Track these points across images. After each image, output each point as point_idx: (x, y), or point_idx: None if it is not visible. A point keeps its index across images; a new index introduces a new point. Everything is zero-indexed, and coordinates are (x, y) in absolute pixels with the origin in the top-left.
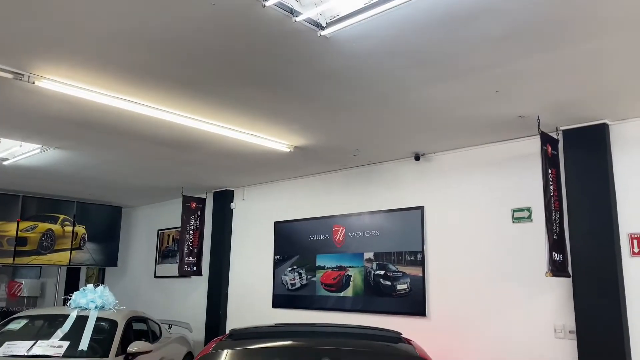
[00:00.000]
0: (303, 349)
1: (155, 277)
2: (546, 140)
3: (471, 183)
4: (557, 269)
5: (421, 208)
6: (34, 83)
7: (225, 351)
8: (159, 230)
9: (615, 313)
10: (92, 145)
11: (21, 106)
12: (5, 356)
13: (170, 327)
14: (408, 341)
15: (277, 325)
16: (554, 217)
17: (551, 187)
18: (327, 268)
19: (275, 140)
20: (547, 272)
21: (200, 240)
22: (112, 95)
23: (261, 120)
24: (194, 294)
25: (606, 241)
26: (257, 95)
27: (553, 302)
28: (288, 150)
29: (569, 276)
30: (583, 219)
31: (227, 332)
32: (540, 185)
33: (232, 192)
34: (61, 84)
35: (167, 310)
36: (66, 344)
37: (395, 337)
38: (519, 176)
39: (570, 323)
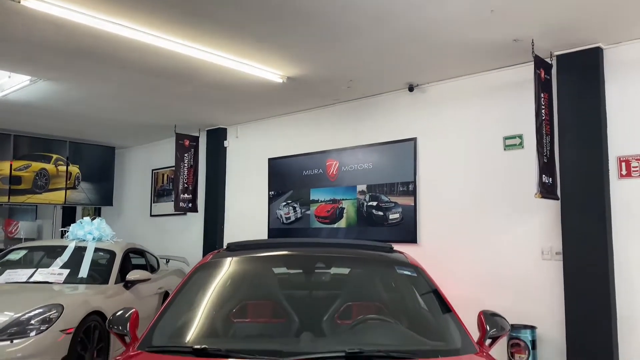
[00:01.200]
0: (298, 256)
1: (151, 215)
2: (540, 64)
3: (464, 113)
4: (546, 191)
5: (414, 139)
6: (19, 2)
7: (223, 259)
8: (153, 170)
9: (601, 235)
10: (82, 76)
11: (7, 30)
12: (7, 282)
13: (167, 262)
14: (399, 252)
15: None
16: (544, 141)
17: (543, 111)
18: (321, 201)
19: (267, 70)
20: (536, 194)
21: (194, 178)
22: (103, 18)
23: (253, 46)
24: (190, 231)
25: (595, 164)
26: (246, 20)
27: (541, 225)
28: (281, 81)
29: (557, 199)
30: (573, 142)
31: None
32: (532, 112)
33: (225, 130)
34: (49, 4)
35: (164, 248)
36: (66, 271)
37: (387, 248)
38: (511, 104)
39: (557, 245)
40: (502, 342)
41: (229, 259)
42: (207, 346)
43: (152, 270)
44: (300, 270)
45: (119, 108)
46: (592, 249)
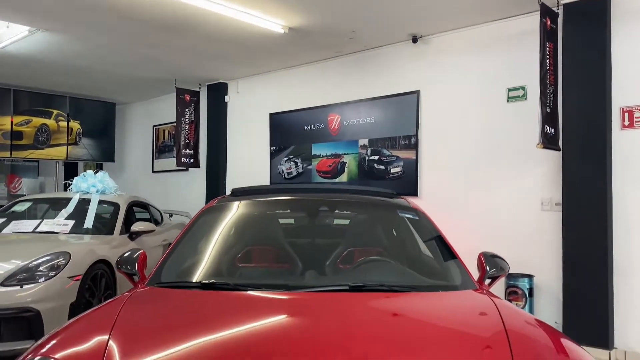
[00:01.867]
0: (303, 200)
1: (153, 171)
2: (546, 12)
3: (467, 64)
4: (548, 141)
5: (417, 92)
6: None
7: (228, 204)
8: (154, 126)
9: (601, 186)
10: (81, 27)
11: None
12: (13, 232)
13: (171, 217)
14: (401, 197)
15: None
16: (548, 91)
17: (547, 61)
18: (323, 156)
19: (268, 20)
20: (538, 144)
21: (196, 134)
22: None
23: None
24: (192, 186)
25: (598, 114)
26: None
27: (541, 177)
28: (282, 31)
29: (559, 149)
30: (577, 92)
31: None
32: (536, 64)
33: (225, 85)
34: None
35: (167, 203)
36: (71, 222)
37: (390, 193)
38: (515, 55)
39: (557, 196)
40: (500, 289)
41: (234, 204)
42: (215, 281)
43: (156, 223)
44: (304, 214)
45: (118, 61)
46: (592, 200)
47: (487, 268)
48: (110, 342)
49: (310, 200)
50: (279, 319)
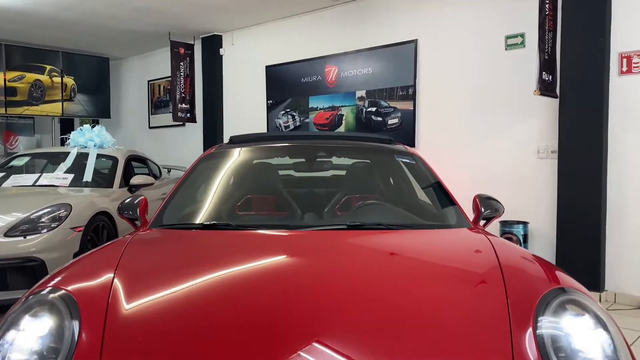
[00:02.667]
0: (301, 146)
1: (150, 127)
2: None
3: (466, 12)
4: (545, 88)
5: (414, 42)
6: None
7: (226, 150)
8: (149, 81)
9: (597, 132)
10: None
11: None
12: (13, 186)
13: (169, 172)
14: (399, 143)
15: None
16: (546, 37)
17: (547, 6)
18: (320, 109)
19: None
20: (535, 91)
21: (192, 88)
22: None
23: None
24: (189, 142)
25: (596, 60)
26: None
27: (538, 125)
28: None
29: (556, 97)
30: (576, 38)
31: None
32: (536, 10)
33: (220, 37)
34: None
35: (164, 159)
36: (70, 176)
37: (387, 139)
38: (515, 2)
39: (553, 144)
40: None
41: (232, 151)
42: (216, 222)
43: (155, 177)
44: (303, 160)
45: (111, 14)
46: (588, 146)
47: (482, 209)
48: (116, 277)
49: (309, 147)
50: (280, 253)
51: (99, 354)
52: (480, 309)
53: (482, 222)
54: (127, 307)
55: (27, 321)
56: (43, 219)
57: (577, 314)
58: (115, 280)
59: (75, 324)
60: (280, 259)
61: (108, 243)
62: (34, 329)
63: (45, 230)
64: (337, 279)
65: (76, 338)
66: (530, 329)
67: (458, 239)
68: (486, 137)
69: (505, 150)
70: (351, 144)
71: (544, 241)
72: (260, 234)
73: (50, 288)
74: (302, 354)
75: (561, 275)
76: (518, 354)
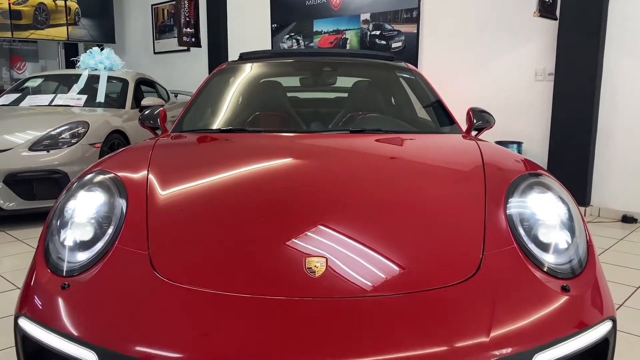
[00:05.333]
0: (307, 62)
1: (155, 53)
2: None
3: None
4: (545, 9)
5: None
6: None
7: (237, 66)
8: (152, 5)
9: (593, 55)
10: None
11: None
12: (30, 106)
13: (177, 96)
14: (400, 60)
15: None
16: None
17: None
18: (324, 33)
19: None
20: (535, 12)
21: (196, 12)
22: None
23: None
24: (194, 67)
25: None
26: None
27: (537, 48)
28: None
29: (555, 19)
30: None
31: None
32: None
33: None
34: None
35: (170, 85)
36: (84, 97)
37: (389, 56)
38: None
39: (551, 66)
40: None
41: (243, 66)
42: (232, 127)
43: (164, 101)
44: (309, 74)
45: None
46: (584, 69)
47: (474, 120)
48: (150, 168)
49: (314, 62)
50: (291, 150)
51: (145, 224)
52: (461, 195)
53: (474, 133)
54: (163, 193)
55: (83, 195)
56: (63, 135)
57: (541, 192)
58: (150, 170)
59: (123, 202)
60: (290, 154)
61: (136, 144)
62: (90, 201)
63: (65, 146)
64: (339, 173)
65: (124, 212)
66: (501, 208)
67: (449, 142)
68: (487, 59)
69: (505, 74)
70: (354, 60)
71: (536, 160)
72: (273, 136)
73: (100, 170)
74: (318, 226)
75: (534, 165)
76: (490, 225)
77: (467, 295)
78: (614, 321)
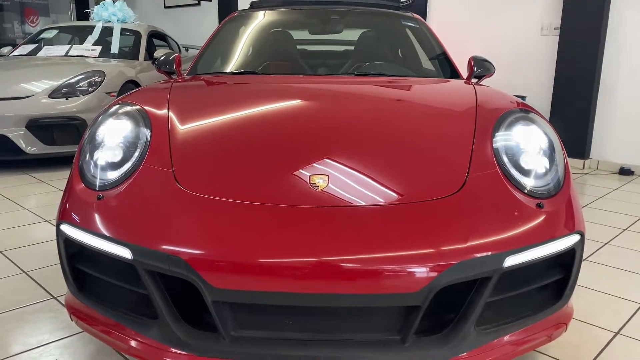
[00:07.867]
0: (316, 10)
1: (165, 7)
2: None
3: None
4: None
5: None
6: None
7: (248, 14)
8: None
9: (599, 8)
10: None
11: None
12: (47, 56)
13: (187, 50)
14: (405, 10)
15: None
16: None
17: None
18: None
19: None
20: None
21: None
22: None
23: None
24: (205, 22)
25: None
26: None
27: (544, 2)
28: None
29: None
30: None
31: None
32: None
33: None
34: None
35: (181, 39)
36: (98, 48)
37: (396, 5)
38: None
39: (557, 21)
40: None
41: (255, 14)
42: (244, 70)
43: None
44: (318, 21)
45: None
46: (589, 22)
47: (475, 68)
48: (170, 104)
49: (323, 10)
50: (301, 89)
51: (169, 148)
52: (453, 129)
53: (474, 81)
54: (182, 123)
55: (111, 122)
56: (81, 84)
57: (526, 124)
58: (170, 104)
59: (148, 131)
60: (299, 92)
61: (154, 83)
62: (118, 128)
63: (83, 94)
64: (344, 109)
65: (149, 139)
66: (488, 139)
67: (448, 85)
68: (494, 14)
69: (511, 28)
70: (361, 9)
71: None
72: (284, 77)
73: (126, 102)
74: (322, 150)
75: (525, 105)
76: (476, 153)
77: (451, 207)
78: (582, 235)
